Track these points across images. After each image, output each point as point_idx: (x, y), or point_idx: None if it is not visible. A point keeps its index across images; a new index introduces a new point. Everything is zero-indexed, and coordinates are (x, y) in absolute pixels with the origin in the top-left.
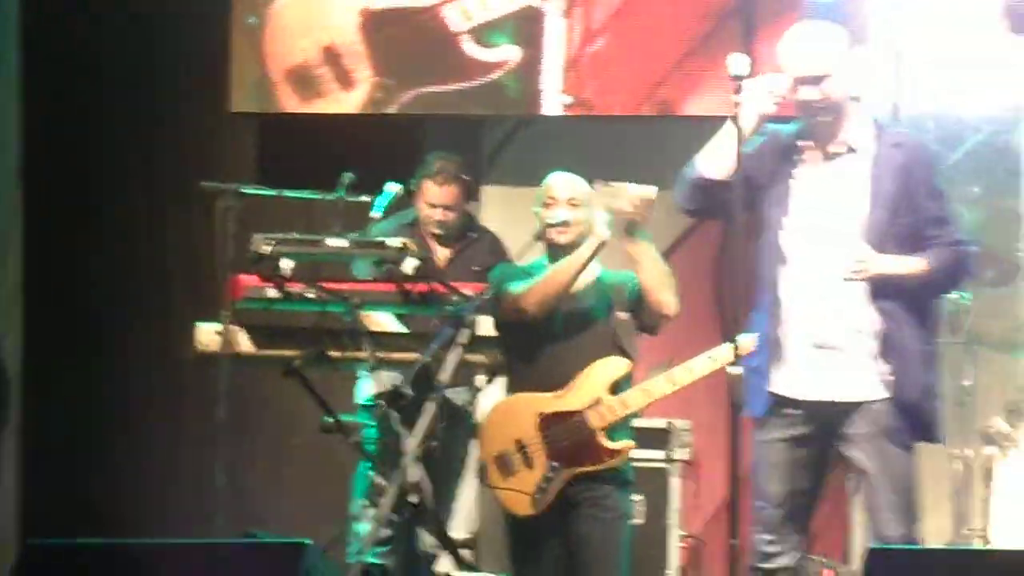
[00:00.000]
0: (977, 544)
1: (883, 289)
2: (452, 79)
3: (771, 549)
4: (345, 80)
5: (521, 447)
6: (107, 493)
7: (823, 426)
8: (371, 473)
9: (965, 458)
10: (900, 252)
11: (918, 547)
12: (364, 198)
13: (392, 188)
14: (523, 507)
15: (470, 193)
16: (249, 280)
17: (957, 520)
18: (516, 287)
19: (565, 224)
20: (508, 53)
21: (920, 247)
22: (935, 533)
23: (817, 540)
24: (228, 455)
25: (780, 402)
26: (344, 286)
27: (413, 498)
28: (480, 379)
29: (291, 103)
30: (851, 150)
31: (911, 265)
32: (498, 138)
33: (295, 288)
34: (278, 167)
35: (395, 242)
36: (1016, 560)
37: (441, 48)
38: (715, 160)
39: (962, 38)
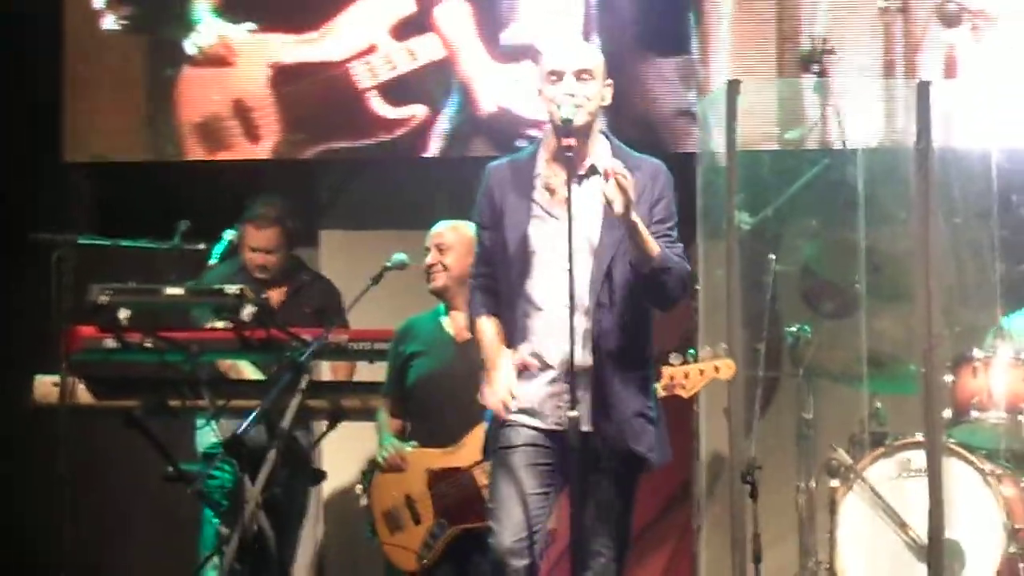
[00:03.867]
0: None
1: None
2: (359, 135)
3: None
4: (253, 134)
5: (410, 503)
6: None
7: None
8: (215, 522)
9: (809, 491)
10: (630, 273)
11: None
12: (201, 246)
13: (229, 235)
14: (409, 563)
15: (295, 237)
16: (87, 331)
17: (802, 553)
18: None
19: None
20: (414, 110)
21: None
22: (780, 566)
23: None
24: (70, 507)
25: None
26: (183, 335)
27: (255, 545)
28: (320, 425)
29: (197, 152)
30: (595, 171)
31: (651, 239)
32: (335, 182)
33: (133, 338)
34: (114, 217)
35: (232, 289)
36: None
37: (349, 104)
38: None
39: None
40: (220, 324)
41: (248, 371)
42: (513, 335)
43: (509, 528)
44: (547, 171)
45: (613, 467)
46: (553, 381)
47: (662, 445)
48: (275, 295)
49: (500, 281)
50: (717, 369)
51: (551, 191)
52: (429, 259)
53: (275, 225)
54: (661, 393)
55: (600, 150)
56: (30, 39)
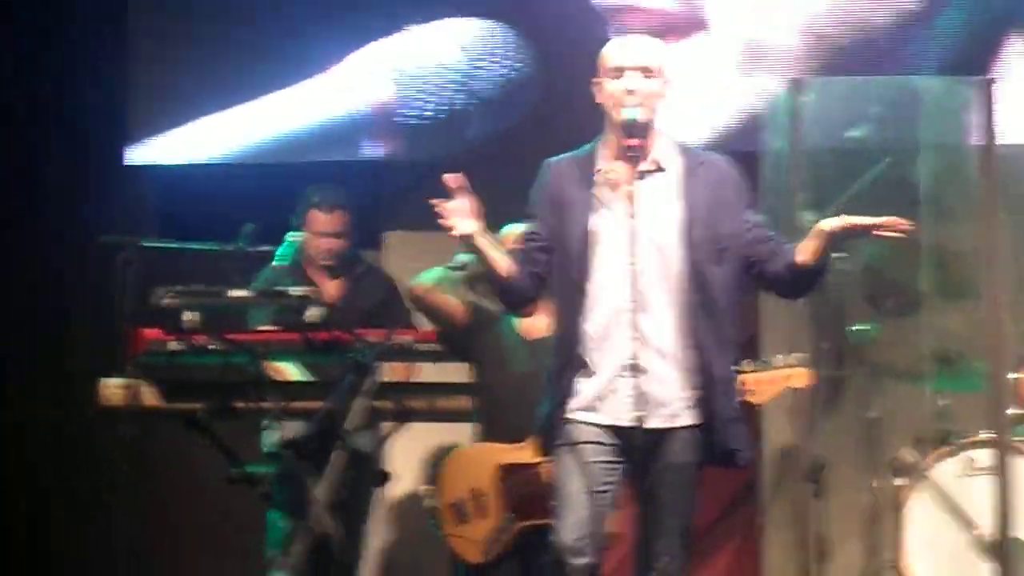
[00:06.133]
0: None
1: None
2: None
3: None
4: None
5: (476, 496)
6: (11, 551)
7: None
8: (281, 523)
9: (874, 490)
10: (717, 266)
11: None
12: (265, 248)
13: (293, 237)
14: (474, 555)
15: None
16: (151, 333)
17: (868, 553)
18: None
19: None
20: None
21: (734, 261)
22: (846, 566)
23: None
24: (135, 510)
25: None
26: (247, 336)
27: (322, 547)
28: (386, 426)
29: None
30: (660, 169)
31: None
32: (401, 183)
33: (198, 340)
34: (177, 220)
35: (297, 291)
36: None
37: None
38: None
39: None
40: (269, 327)
41: (292, 372)
42: (573, 331)
43: (570, 525)
44: (608, 167)
45: (684, 465)
46: (617, 378)
47: (749, 444)
48: (333, 287)
49: (553, 273)
50: (790, 377)
51: (613, 187)
52: None
53: (341, 208)
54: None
55: (663, 145)
56: (95, 40)
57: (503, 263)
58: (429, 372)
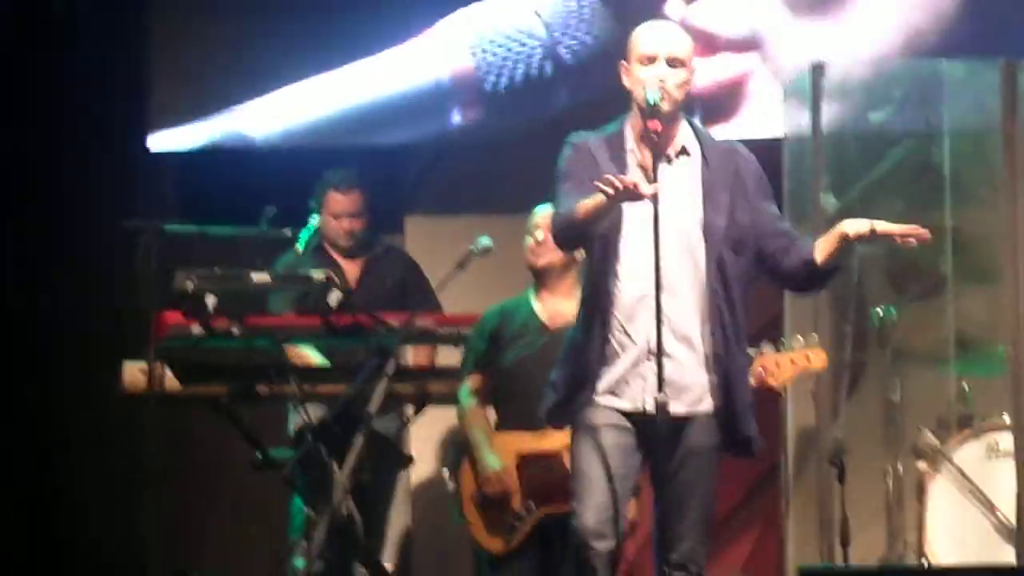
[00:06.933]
0: (912, 559)
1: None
2: None
3: None
4: None
5: None
6: (31, 537)
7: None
8: (304, 507)
9: (896, 473)
10: (735, 255)
11: (850, 567)
12: (287, 232)
13: (315, 221)
14: (496, 544)
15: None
16: (174, 317)
17: (891, 536)
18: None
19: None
20: None
21: (751, 251)
22: (868, 549)
23: (751, 561)
24: (158, 493)
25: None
26: (269, 321)
27: (345, 531)
28: (408, 410)
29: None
30: (686, 152)
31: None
32: (420, 167)
33: (220, 325)
34: (199, 204)
35: (319, 275)
36: None
37: None
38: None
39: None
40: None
41: (312, 357)
42: (600, 311)
43: (592, 508)
44: (638, 150)
45: (706, 450)
46: (639, 362)
47: (757, 431)
48: (352, 269)
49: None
50: (808, 359)
51: (645, 169)
52: (540, 236)
53: (358, 188)
54: (751, 382)
55: (687, 133)
56: (119, 23)
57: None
58: (451, 356)
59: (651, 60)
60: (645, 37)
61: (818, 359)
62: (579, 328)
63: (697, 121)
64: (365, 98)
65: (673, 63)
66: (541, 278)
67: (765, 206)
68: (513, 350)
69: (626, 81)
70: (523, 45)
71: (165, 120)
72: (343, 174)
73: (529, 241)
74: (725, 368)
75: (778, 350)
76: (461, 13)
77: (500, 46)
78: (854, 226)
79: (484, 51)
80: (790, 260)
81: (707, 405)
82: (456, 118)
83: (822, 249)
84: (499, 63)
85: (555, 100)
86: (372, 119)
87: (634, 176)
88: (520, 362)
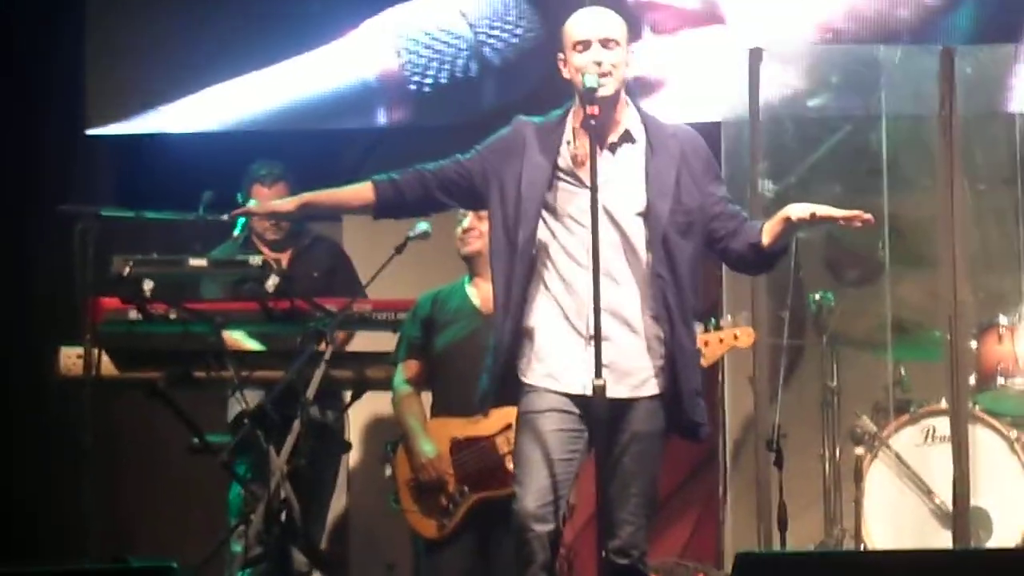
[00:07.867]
0: (849, 545)
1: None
2: None
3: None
4: None
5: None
6: None
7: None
8: (243, 492)
9: (834, 458)
10: (682, 238)
11: (788, 551)
12: (224, 217)
13: (252, 205)
14: (430, 530)
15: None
16: (110, 302)
17: (828, 521)
18: None
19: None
20: None
21: (699, 234)
22: (806, 534)
23: (690, 545)
24: (97, 479)
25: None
26: (206, 306)
27: (282, 516)
28: (346, 395)
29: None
30: (630, 138)
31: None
32: (358, 155)
33: (157, 309)
34: (136, 189)
35: (257, 260)
36: (884, 561)
37: None
38: None
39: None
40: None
41: (245, 343)
42: (523, 299)
43: (533, 492)
44: (575, 138)
45: (649, 435)
46: (578, 347)
47: (707, 417)
48: (280, 260)
49: (494, 238)
50: (736, 337)
51: (577, 158)
52: (466, 223)
53: (281, 181)
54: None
55: (631, 116)
56: (54, 10)
57: (352, 194)
58: (386, 342)
59: (585, 45)
60: (576, 24)
61: (745, 337)
62: (504, 317)
63: (643, 106)
64: (294, 96)
65: (607, 44)
66: (472, 265)
67: (713, 188)
68: (446, 335)
69: (565, 72)
70: (448, 45)
71: (101, 105)
72: (268, 168)
73: (458, 229)
74: (671, 352)
75: (707, 329)
76: (387, 13)
77: (426, 47)
78: (797, 210)
79: (410, 51)
80: (738, 242)
81: (651, 389)
82: (383, 118)
83: (768, 232)
84: (424, 63)
85: (482, 100)
86: (302, 117)
87: (565, 164)
88: (453, 346)
